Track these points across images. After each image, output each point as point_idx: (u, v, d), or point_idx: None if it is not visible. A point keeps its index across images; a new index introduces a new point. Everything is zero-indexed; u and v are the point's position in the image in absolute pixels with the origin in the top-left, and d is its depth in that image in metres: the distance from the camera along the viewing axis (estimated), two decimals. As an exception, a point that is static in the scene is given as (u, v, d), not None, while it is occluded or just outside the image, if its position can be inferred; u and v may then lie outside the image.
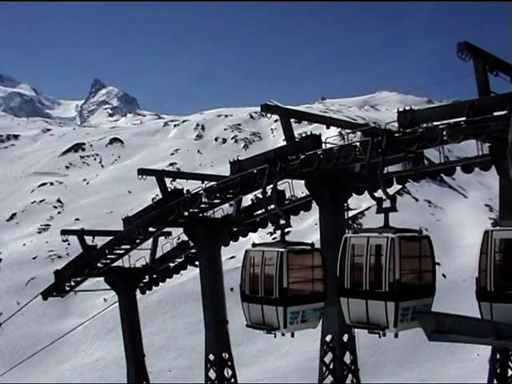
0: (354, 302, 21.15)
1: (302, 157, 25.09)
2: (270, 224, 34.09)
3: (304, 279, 24.07)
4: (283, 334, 23.87)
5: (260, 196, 32.33)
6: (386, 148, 22.39)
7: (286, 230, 24.90)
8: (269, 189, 27.08)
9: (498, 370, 24.54)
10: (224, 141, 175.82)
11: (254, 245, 24.83)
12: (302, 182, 26.96)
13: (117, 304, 42.14)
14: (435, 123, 21.71)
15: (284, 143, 27.08)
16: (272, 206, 26.48)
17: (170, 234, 40.77)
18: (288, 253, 22.91)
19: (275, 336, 24.34)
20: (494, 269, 17.77)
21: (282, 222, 25.17)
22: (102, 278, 41.26)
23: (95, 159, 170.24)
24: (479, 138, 21.66)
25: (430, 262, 21.36)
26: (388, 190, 22.07)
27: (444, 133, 20.98)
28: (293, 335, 24.11)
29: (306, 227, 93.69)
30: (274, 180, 25.36)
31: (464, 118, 20.57)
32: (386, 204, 21.89)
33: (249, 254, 24.29)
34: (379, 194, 22.72)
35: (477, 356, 64.10)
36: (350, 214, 35.03)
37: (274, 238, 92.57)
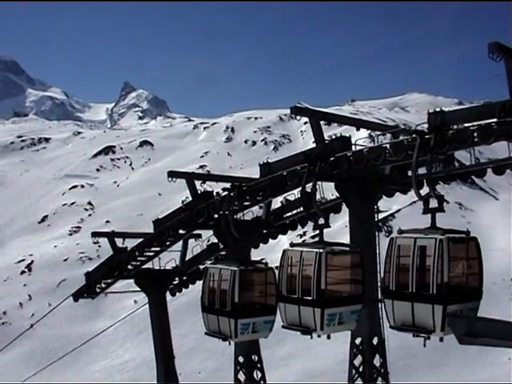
0: (289, 307, 23.48)
1: (332, 159, 24.99)
2: (299, 226, 34.24)
3: (256, 294, 26.63)
4: (236, 343, 27.62)
5: (290, 199, 32.38)
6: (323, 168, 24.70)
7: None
8: (298, 191, 27.36)
9: (530, 374, 24.43)
10: (254, 143, 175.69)
11: (214, 262, 28.63)
12: (332, 184, 26.88)
13: (147, 306, 42.26)
14: (466, 125, 21.52)
15: (314, 145, 26.92)
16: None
17: (199, 236, 40.80)
18: (240, 271, 25.59)
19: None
20: (395, 270, 20.32)
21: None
22: (132, 280, 41.48)
23: (125, 162, 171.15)
24: (511, 140, 21.50)
25: (360, 272, 23.46)
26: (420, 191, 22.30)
27: (475, 134, 20.71)
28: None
29: (336, 229, 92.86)
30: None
31: (495, 119, 20.33)
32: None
33: (209, 271, 27.32)
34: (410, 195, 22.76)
35: (508, 360, 63.48)
36: (381, 216, 35.00)
37: (303, 241, 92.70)
